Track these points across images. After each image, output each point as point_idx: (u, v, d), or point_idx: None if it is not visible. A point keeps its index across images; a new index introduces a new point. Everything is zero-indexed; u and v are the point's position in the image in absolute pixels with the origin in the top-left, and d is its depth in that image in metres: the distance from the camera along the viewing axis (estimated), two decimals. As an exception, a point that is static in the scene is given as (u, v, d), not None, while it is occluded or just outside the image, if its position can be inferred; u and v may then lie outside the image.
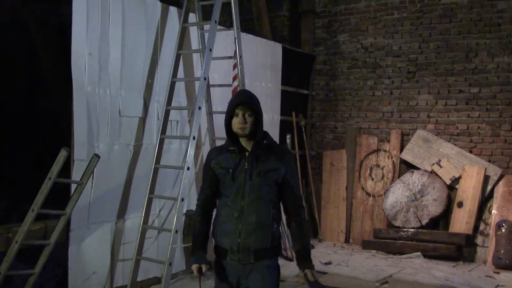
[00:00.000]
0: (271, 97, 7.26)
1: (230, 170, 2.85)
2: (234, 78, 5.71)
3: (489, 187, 6.82)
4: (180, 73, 5.59)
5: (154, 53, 5.43)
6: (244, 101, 2.86)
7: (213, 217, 2.99)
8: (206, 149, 5.64)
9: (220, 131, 5.42)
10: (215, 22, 5.28)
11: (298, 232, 2.91)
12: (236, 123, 2.84)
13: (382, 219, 7.48)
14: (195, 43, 5.82)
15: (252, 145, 2.87)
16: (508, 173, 6.82)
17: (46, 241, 4.27)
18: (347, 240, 7.75)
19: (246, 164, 2.85)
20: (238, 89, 5.59)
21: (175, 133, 5.63)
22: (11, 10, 6.09)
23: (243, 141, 2.89)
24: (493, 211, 6.70)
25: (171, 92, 5.37)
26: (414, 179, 7.17)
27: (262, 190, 2.84)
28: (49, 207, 4.10)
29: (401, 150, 7.50)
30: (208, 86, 5.59)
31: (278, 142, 7.24)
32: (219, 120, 5.61)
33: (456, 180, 6.98)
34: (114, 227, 5.03)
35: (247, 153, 2.87)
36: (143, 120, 5.32)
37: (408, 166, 7.43)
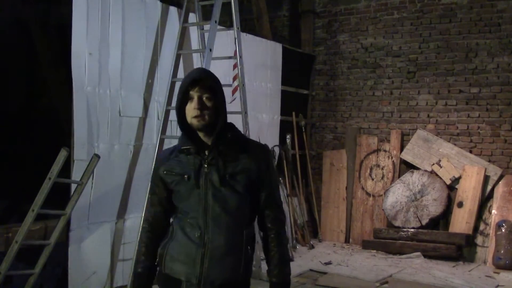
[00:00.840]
0: (271, 97, 7.25)
1: (186, 176, 2.14)
2: (234, 78, 5.71)
3: (489, 187, 6.82)
4: (180, 73, 5.59)
5: (154, 53, 5.43)
6: (200, 77, 2.10)
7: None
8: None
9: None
10: (215, 22, 5.29)
11: (278, 261, 2.21)
12: (190, 109, 2.10)
13: (382, 219, 7.48)
14: (195, 43, 5.82)
15: (212, 140, 2.14)
16: (508, 173, 6.82)
17: (46, 241, 4.27)
18: (347, 240, 7.75)
19: (205, 166, 2.13)
20: (238, 89, 5.59)
21: (175, 133, 5.62)
22: (11, 10, 6.07)
23: (202, 136, 2.16)
24: (493, 211, 6.70)
25: (171, 92, 5.37)
26: (414, 179, 7.17)
27: (230, 201, 2.13)
28: (49, 207, 4.09)
29: (401, 150, 7.50)
30: (208, 86, 5.58)
31: (277, 142, 7.33)
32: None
33: (456, 180, 6.98)
34: (114, 227, 5.04)
35: (207, 152, 2.15)
36: (143, 120, 5.33)
37: (408, 166, 7.43)
